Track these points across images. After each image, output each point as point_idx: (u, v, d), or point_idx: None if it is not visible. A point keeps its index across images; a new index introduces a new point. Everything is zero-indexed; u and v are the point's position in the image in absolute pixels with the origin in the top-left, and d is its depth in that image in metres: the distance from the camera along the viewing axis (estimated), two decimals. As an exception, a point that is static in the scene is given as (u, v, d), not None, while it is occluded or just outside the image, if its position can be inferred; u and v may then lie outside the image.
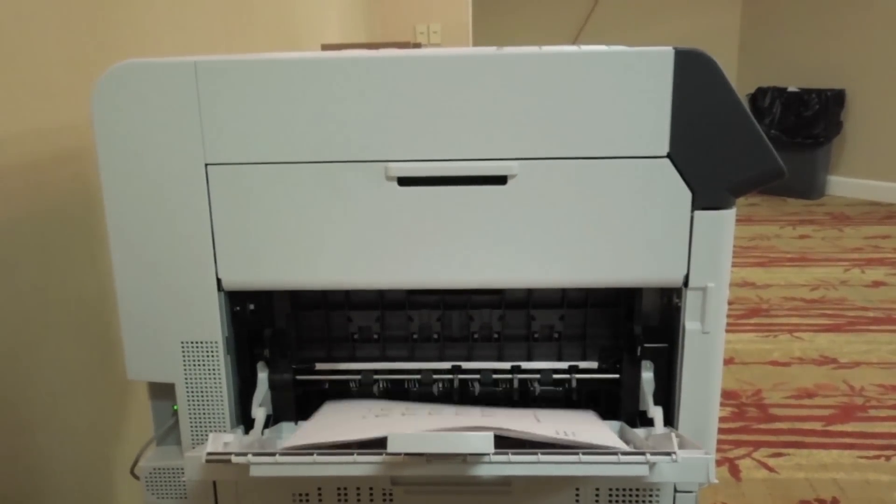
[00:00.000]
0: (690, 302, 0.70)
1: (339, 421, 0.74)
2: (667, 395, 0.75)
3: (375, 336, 0.82)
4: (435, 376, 0.81)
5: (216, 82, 0.66)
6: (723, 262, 0.69)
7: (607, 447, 0.63)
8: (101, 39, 0.99)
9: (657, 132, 0.66)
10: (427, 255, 0.70)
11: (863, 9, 3.61)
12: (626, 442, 0.75)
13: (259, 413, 0.77)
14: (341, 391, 0.82)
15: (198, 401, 0.74)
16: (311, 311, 0.82)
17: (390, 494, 0.74)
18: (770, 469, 1.43)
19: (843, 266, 2.67)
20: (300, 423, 0.79)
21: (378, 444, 0.62)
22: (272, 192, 0.69)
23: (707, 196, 0.68)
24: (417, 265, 0.70)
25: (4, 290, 0.81)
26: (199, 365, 0.73)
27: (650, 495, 0.73)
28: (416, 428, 0.66)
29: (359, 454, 0.62)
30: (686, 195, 0.68)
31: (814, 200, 3.73)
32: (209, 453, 0.63)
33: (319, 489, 0.74)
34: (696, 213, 0.68)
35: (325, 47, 2.18)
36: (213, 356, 0.72)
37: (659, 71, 0.65)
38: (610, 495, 0.73)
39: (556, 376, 0.80)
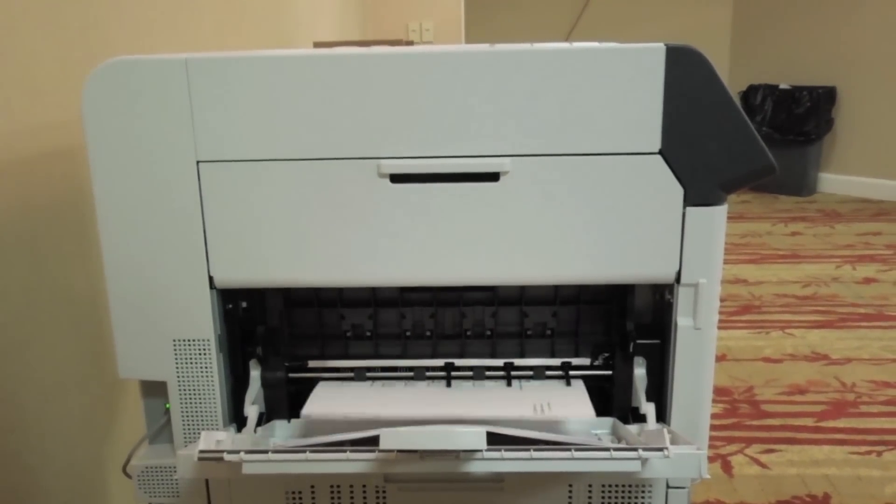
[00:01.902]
0: (682, 298, 0.70)
1: (346, 392, 0.78)
2: (659, 392, 0.76)
3: (368, 333, 0.82)
4: (428, 373, 0.81)
5: (207, 79, 0.66)
6: (715, 259, 0.69)
7: (600, 444, 0.64)
8: (92, 36, 0.99)
9: (649, 128, 0.67)
10: (420, 252, 0.70)
11: (854, 6, 3.62)
12: (619, 438, 0.75)
13: (251, 411, 0.77)
14: (334, 389, 0.81)
15: (190, 399, 0.73)
16: (304, 309, 0.81)
17: (384, 491, 0.74)
18: (762, 465, 1.43)
19: (835, 263, 2.68)
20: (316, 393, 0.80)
21: (371, 441, 0.62)
22: (264, 190, 0.68)
23: (699, 192, 0.68)
24: (410, 262, 0.70)
25: (-5, 289, 0.81)
26: (191, 363, 0.73)
27: (643, 491, 0.73)
28: (417, 398, 0.71)
29: (351, 451, 0.62)
30: (678, 191, 0.68)
31: (805, 197, 3.74)
32: (201, 451, 0.63)
33: (312, 487, 0.74)
34: (688, 209, 0.68)
35: (317, 45, 2.17)
36: (205, 354, 0.72)
37: (650, 67, 0.65)
38: (603, 491, 0.73)
39: (548, 373, 0.81)
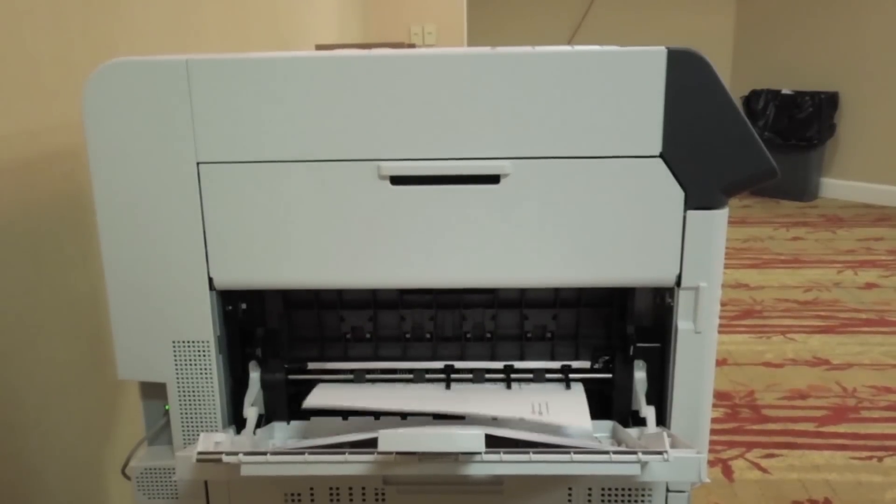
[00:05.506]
0: (683, 301, 0.70)
1: (348, 389, 0.78)
2: (659, 395, 0.75)
3: (368, 335, 0.82)
4: (427, 375, 0.81)
5: (208, 81, 0.66)
6: (715, 262, 0.69)
7: (599, 447, 0.64)
8: (93, 38, 0.99)
9: (650, 132, 0.66)
10: (420, 255, 0.69)
11: (856, 12, 3.62)
12: (619, 441, 0.75)
13: (251, 413, 0.77)
14: (334, 391, 0.81)
15: (189, 400, 0.73)
16: (304, 311, 0.81)
17: (382, 494, 0.74)
18: (763, 470, 1.43)
19: (836, 268, 2.68)
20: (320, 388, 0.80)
21: (370, 443, 0.62)
22: (264, 191, 0.68)
23: (699, 196, 0.68)
24: (410, 264, 0.70)
25: (-5, 289, 0.81)
26: (190, 364, 0.73)
27: (642, 495, 0.73)
28: (418, 396, 0.72)
29: (350, 453, 0.62)
30: (678, 195, 0.68)
31: (807, 202, 3.74)
32: (200, 453, 0.63)
33: (311, 489, 0.74)
34: (689, 212, 0.68)
35: (319, 47, 2.17)
36: (204, 356, 0.72)
37: (651, 71, 0.65)
38: (602, 495, 0.73)
39: (548, 376, 0.80)
